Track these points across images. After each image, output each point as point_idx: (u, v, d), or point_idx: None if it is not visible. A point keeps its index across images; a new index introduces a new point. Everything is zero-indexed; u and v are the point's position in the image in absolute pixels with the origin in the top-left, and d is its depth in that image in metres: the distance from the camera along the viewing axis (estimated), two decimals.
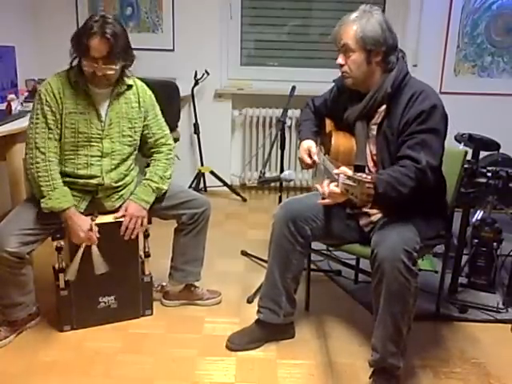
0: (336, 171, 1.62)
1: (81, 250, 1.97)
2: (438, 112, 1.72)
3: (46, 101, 1.91)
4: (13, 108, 2.58)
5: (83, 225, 1.94)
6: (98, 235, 1.97)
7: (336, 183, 1.63)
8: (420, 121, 1.71)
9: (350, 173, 1.54)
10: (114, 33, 1.85)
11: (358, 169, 1.87)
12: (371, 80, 1.81)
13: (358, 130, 1.89)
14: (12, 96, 2.69)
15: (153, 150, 2.17)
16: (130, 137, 2.08)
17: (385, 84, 1.78)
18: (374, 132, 1.85)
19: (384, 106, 1.81)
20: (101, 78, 1.91)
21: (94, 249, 1.98)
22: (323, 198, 1.75)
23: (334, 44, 1.84)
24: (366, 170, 1.89)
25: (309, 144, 2.02)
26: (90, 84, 1.95)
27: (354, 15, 1.79)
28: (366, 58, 1.77)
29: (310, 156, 2.01)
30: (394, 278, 1.61)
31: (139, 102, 2.08)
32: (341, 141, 1.92)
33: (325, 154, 2.00)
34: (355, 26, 1.76)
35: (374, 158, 1.87)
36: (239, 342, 2.02)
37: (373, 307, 1.75)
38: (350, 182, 1.50)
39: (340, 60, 1.82)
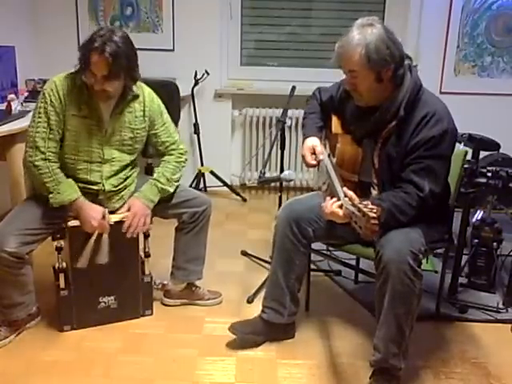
0: (342, 195, 1.57)
1: (93, 238, 1.97)
2: (448, 137, 1.69)
3: (51, 101, 1.90)
4: (13, 108, 2.58)
5: (96, 213, 1.94)
6: (112, 222, 1.98)
7: (339, 203, 1.59)
8: (429, 146, 1.68)
9: (356, 200, 1.47)
10: (114, 52, 1.80)
11: (363, 184, 1.85)
12: (383, 95, 1.75)
13: (365, 146, 1.84)
14: (12, 96, 2.69)
15: (164, 155, 2.18)
16: (130, 145, 2.07)
17: (395, 103, 1.71)
18: (380, 145, 1.81)
19: (394, 123, 1.75)
20: (100, 92, 1.89)
21: (105, 237, 1.99)
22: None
23: (339, 67, 1.76)
24: (372, 192, 1.86)
25: (313, 143, 1.95)
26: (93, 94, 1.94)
27: (354, 37, 1.66)
28: (376, 79, 1.69)
29: (313, 154, 1.95)
30: (399, 280, 1.60)
31: (144, 111, 2.06)
32: (347, 148, 1.86)
33: (329, 156, 1.96)
34: (359, 49, 1.64)
35: (377, 170, 1.84)
36: (242, 330, 2.02)
37: (375, 308, 1.74)
38: (355, 211, 1.42)
39: (349, 86, 1.77)
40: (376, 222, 1.34)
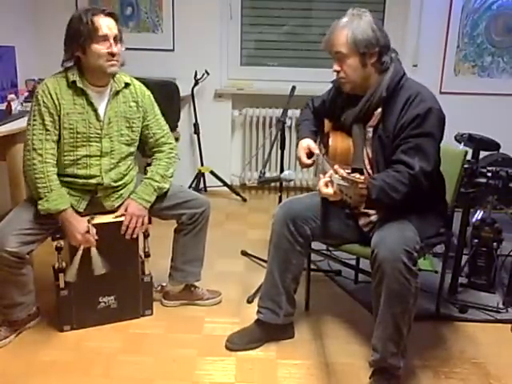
0: (330, 171, 1.63)
1: (80, 252, 1.96)
2: (433, 115, 1.71)
3: (44, 102, 1.90)
4: (13, 108, 2.58)
5: (80, 227, 1.94)
6: (96, 237, 1.97)
7: (330, 183, 1.64)
8: (415, 125, 1.71)
9: (344, 173, 1.54)
10: (113, 12, 1.93)
11: (356, 172, 1.87)
12: (368, 82, 1.80)
13: (355, 133, 1.89)
14: (12, 96, 2.70)
15: (154, 150, 2.18)
16: (128, 136, 2.07)
17: (380, 87, 1.77)
18: (370, 134, 1.84)
19: (380, 109, 1.80)
20: (115, 62, 1.91)
21: (93, 250, 1.98)
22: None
23: (328, 52, 1.83)
24: (364, 173, 1.88)
25: (308, 142, 2.02)
26: (101, 73, 1.93)
27: (343, 21, 1.77)
28: (360, 61, 1.76)
29: (308, 156, 2.01)
30: (394, 279, 1.61)
31: (137, 102, 2.08)
32: (338, 141, 1.91)
33: (323, 155, 2.00)
34: (345, 31, 1.74)
35: (371, 160, 1.87)
36: (239, 342, 2.02)
37: (373, 307, 1.75)
38: (344, 183, 1.51)
39: (335, 67, 1.82)
40: (364, 186, 1.46)
